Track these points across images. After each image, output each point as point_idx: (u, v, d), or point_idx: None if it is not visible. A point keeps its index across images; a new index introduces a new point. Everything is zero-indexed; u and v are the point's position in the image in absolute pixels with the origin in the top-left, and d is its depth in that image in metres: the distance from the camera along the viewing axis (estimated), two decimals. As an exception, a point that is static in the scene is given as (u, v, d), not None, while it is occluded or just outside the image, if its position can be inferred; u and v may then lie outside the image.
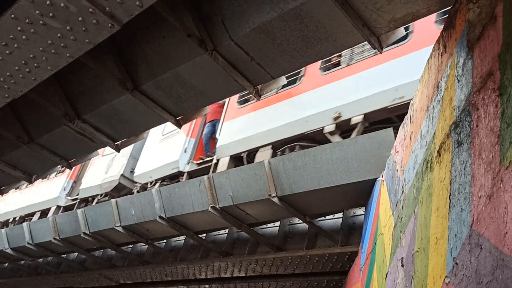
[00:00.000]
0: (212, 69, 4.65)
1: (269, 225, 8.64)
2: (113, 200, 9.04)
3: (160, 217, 8.08)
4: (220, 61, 4.50)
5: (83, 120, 6.07)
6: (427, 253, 2.99)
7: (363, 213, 7.48)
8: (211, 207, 7.22)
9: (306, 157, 6.17)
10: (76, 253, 12.40)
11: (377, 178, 5.47)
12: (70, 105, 5.97)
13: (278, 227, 8.45)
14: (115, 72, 5.14)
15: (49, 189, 13.95)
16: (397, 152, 4.33)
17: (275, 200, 6.50)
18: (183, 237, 10.12)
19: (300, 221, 8.27)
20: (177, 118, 5.59)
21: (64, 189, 13.48)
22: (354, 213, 7.58)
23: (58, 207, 13.32)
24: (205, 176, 7.37)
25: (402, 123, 4.37)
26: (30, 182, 8.20)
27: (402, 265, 3.45)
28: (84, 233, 9.71)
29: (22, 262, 14.24)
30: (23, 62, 4.30)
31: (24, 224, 11.46)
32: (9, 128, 6.87)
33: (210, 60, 4.51)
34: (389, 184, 4.49)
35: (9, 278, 15.06)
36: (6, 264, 15.04)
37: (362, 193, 5.83)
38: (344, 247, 7.08)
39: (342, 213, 7.63)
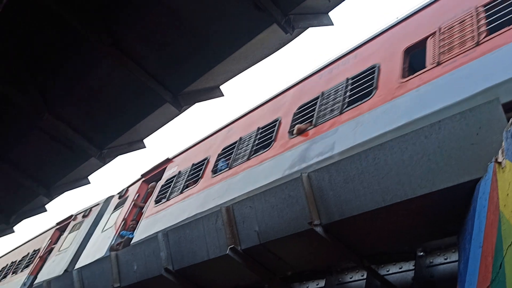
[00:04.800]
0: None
1: (310, 286, 6.47)
2: (112, 253, 7.17)
3: (166, 270, 6.11)
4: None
5: (56, 115, 4.52)
6: None
7: (445, 260, 5.31)
8: (230, 249, 5.24)
9: (363, 161, 4.27)
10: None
11: (480, 178, 3.49)
12: (39, 92, 4.48)
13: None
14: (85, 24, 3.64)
15: None
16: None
17: (319, 230, 4.51)
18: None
19: (353, 279, 6.12)
20: (177, 95, 3.91)
21: None
22: (431, 262, 5.39)
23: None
24: (223, 208, 5.50)
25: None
26: (8, 223, 6.54)
27: None
28: (78, 299, 7.73)
29: None
30: None
31: (18, 292, 9.61)
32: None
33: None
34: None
35: None
36: None
37: (455, 206, 3.79)
38: (421, 309, 4.85)
39: (413, 262, 5.47)
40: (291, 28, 3.13)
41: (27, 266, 13.83)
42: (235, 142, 8.55)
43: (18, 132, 5.02)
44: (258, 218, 5.14)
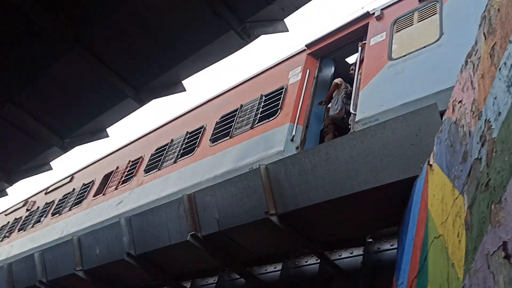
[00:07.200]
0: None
1: (268, 268, 6.80)
2: (75, 237, 7.28)
3: (129, 254, 6.29)
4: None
5: (17, 104, 4.59)
6: None
7: (391, 247, 5.71)
8: (190, 235, 5.47)
9: (316, 156, 4.56)
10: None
11: (417, 176, 3.82)
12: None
13: (280, 271, 6.62)
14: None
15: None
16: (460, 102, 2.76)
17: (275, 219, 4.80)
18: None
19: (308, 263, 6.48)
20: (139, 90, 4.06)
21: None
22: (379, 248, 5.79)
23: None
24: (185, 196, 5.71)
25: (464, 62, 2.83)
26: None
27: (508, 256, 1.76)
28: (40, 282, 7.82)
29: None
30: None
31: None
32: None
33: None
34: (447, 158, 2.87)
35: None
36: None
37: (396, 200, 4.14)
38: (368, 291, 5.24)
39: (362, 248, 5.85)
40: (247, 35, 3.33)
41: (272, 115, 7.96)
42: None
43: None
44: (219, 206, 5.38)
